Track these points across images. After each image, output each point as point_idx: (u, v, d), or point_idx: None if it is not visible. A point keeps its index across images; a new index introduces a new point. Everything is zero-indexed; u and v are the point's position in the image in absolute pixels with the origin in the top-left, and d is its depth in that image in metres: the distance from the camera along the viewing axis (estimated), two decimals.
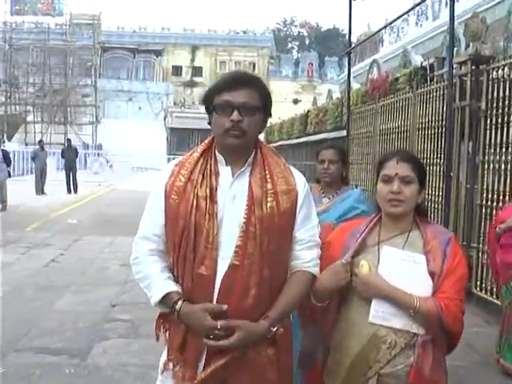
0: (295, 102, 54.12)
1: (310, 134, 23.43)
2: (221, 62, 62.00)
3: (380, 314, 2.46)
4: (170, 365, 2.43)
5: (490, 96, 7.12)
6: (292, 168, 2.51)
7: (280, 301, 2.39)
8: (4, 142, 21.82)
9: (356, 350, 2.49)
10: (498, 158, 6.94)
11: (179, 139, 53.44)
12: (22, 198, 19.13)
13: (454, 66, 7.54)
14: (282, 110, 39.05)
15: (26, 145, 39.65)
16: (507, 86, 6.79)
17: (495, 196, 6.99)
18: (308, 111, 25.24)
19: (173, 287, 2.36)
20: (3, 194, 16.62)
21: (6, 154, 17.19)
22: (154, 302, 2.38)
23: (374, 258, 2.55)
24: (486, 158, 7.15)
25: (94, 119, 49.71)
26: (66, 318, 6.39)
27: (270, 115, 2.50)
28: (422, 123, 8.98)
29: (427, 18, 31.58)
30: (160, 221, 2.41)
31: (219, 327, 2.26)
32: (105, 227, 13.77)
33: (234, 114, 2.33)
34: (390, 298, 2.46)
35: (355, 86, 29.47)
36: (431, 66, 12.76)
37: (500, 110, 6.89)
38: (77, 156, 24.01)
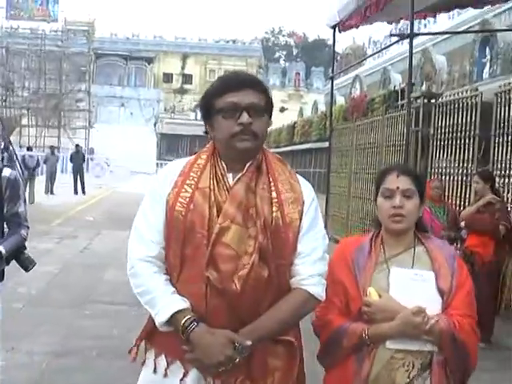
0: (282, 110, 55.81)
1: (296, 143, 25.51)
2: (210, 71, 63.70)
3: (396, 338, 2.38)
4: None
5: (437, 123, 9.34)
6: (298, 176, 2.34)
7: (260, 319, 2.15)
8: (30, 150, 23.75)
9: (373, 375, 2.39)
10: (441, 170, 9.16)
11: (169, 144, 55.19)
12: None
13: (412, 99, 9.76)
14: None
15: (20, 147, 41.06)
16: (449, 116, 9.00)
17: None
18: (295, 122, 27.35)
19: (182, 304, 2.13)
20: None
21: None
22: (160, 321, 2.13)
23: (384, 277, 2.46)
24: (433, 170, 9.37)
25: (87, 124, 50.63)
26: (117, 286, 8.48)
27: (271, 113, 2.30)
28: (389, 141, 11.19)
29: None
30: (158, 228, 2.21)
31: (237, 360, 2.09)
32: (119, 223, 15.76)
33: (243, 116, 2.14)
34: None
35: (339, 98, 31.81)
36: (402, 90, 15.02)
37: (443, 135, 9.12)
38: (84, 160, 26.14)
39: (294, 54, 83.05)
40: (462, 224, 7.05)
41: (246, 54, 63.86)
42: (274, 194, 2.20)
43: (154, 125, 56.89)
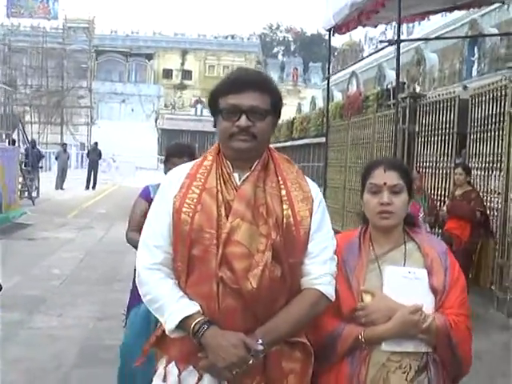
0: None
1: (295, 138, 26.41)
2: (210, 66, 64.14)
3: (393, 339, 2.33)
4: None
5: (421, 122, 10.42)
6: (305, 176, 2.34)
7: (273, 321, 2.15)
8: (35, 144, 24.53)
9: (368, 379, 2.33)
10: (425, 164, 10.24)
11: (170, 140, 55.34)
12: (45, 191, 22.19)
13: (399, 100, 10.83)
14: None
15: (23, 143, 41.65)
16: (432, 115, 10.08)
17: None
18: (294, 118, 28.28)
19: (191, 308, 2.12)
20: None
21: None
22: (169, 328, 2.12)
23: (375, 276, 2.41)
24: (419, 164, 10.45)
25: (89, 120, 51.53)
26: None
27: (279, 117, 2.31)
28: (379, 137, 12.27)
29: (402, 33, 34.38)
30: (162, 232, 2.21)
31: (251, 362, 2.06)
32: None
33: (241, 119, 2.16)
34: None
35: (336, 93, 32.73)
36: (394, 88, 16.09)
37: (427, 132, 10.20)
38: (100, 157, 27.29)
39: (292, 49, 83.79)
40: (444, 209, 8.18)
41: (244, 50, 64.25)
42: (283, 192, 2.20)
43: (155, 120, 57.57)
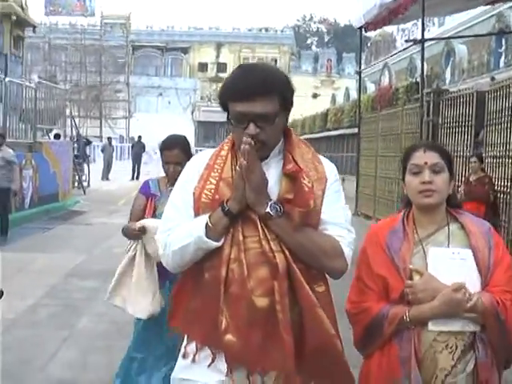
0: (314, 96, 56.46)
1: (329, 129, 27.24)
2: (244, 59, 64.03)
3: (438, 319, 2.33)
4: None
5: (444, 114, 11.40)
6: (321, 157, 2.33)
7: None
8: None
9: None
10: None
11: (206, 132, 56.59)
12: (92, 182, 23.59)
13: (425, 94, 11.83)
14: (302, 105, 42.55)
15: (65, 137, 43.07)
16: (453, 108, 11.05)
17: None
18: (328, 110, 29.14)
19: (205, 216, 2.18)
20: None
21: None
22: (201, 233, 2.13)
23: (420, 259, 2.42)
24: None
25: (127, 114, 53.03)
26: None
27: (292, 105, 2.25)
28: (407, 129, 13.27)
29: (434, 24, 35.00)
30: (187, 213, 2.26)
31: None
32: None
33: (250, 127, 2.13)
34: None
35: (369, 85, 33.44)
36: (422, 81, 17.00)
37: (449, 124, 11.19)
38: (144, 150, 28.78)
39: (326, 40, 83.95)
40: (463, 192, 9.16)
41: (278, 42, 64.17)
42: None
43: (192, 113, 58.28)
